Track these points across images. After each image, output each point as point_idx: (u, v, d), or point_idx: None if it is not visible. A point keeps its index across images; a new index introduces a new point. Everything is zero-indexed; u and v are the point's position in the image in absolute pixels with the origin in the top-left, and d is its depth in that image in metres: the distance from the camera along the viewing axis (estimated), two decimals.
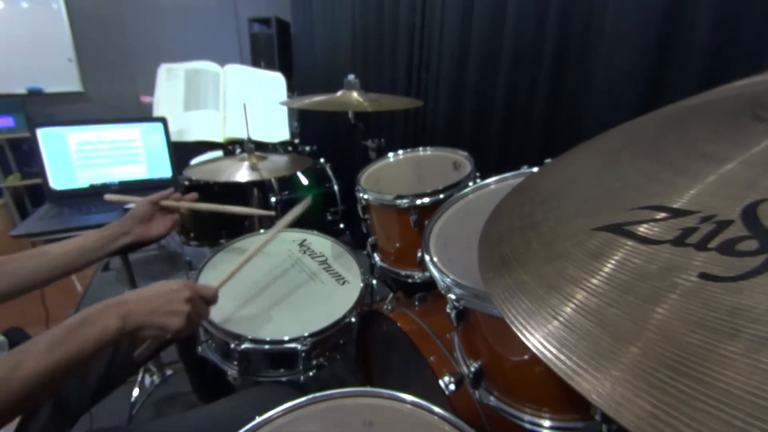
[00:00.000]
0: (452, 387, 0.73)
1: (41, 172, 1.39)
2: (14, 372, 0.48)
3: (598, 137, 0.49)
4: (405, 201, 0.94)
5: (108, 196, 1.00)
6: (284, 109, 2.01)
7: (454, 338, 0.73)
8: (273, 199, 2.01)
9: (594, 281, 0.28)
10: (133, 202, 0.94)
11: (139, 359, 0.66)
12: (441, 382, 0.74)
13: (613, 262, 0.28)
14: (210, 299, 0.71)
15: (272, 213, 1.11)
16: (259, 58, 3.06)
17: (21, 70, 2.97)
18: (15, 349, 0.51)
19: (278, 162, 1.43)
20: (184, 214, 0.96)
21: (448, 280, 0.62)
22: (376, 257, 1.12)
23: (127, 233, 0.87)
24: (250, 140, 1.37)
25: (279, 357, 0.83)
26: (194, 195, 0.96)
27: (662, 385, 0.20)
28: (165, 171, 1.54)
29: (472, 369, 0.64)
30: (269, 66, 2.78)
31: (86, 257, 0.81)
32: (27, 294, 0.75)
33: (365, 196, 1.02)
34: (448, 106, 1.58)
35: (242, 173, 1.29)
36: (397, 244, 1.05)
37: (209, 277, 0.95)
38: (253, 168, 1.32)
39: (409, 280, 1.03)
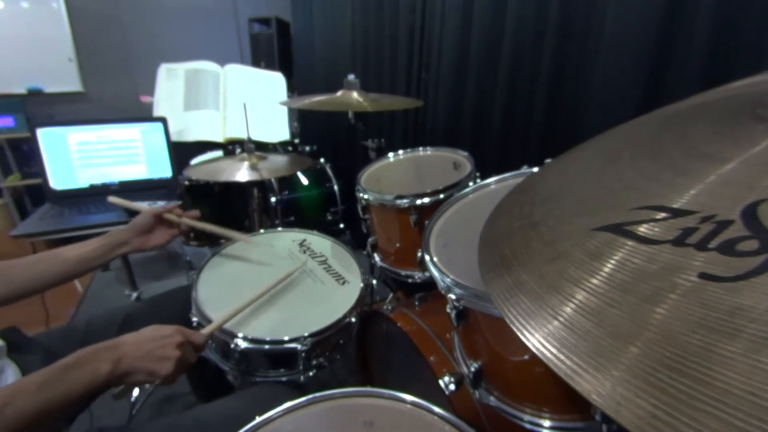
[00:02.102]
0: (452, 387, 0.73)
1: (41, 172, 1.39)
2: (4, 409, 0.49)
3: (598, 137, 0.49)
4: (405, 201, 0.94)
5: (111, 199, 1.00)
6: (284, 109, 2.01)
7: (454, 338, 0.73)
8: (273, 199, 2.01)
9: (594, 281, 0.28)
10: (137, 208, 0.94)
11: (117, 399, 0.67)
12: (441, 382, 0.74)
13: (613, 262, 0.28)
14: (199, 346, 0.71)
15: (249, 240, 1.09)
16: (259, 58, 3.06)
17: (21, 70, 2.97)
18: (5, 387, 0.52)
19: (278, 162, 1.43)
20: (184, 229, 0.97)
21: (448, 280, 0.62)
22: (376, 257, 1.12)
23: (127, 243, 0.88)
24: (250, 140, 1.37)
25: (279, 357, 0.83)
26: (196, 213, 0.97)
27: (662, 385, 0.20)
28: (165, 171, 1.54)
29: (472, 369, 0.64)
30: (269, 66, 2.78)
31: (86, 265, 0.82)
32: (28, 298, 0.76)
33: (365, 196, 1.02)
34: (448, 106, 1.58)
35: (242, 173, 1.29)
36: (397, 244, 1.05)
37: (209, 278, 0.96)
38: (253, 168, 1.32)
39: (409, 280, 1.03)
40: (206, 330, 0.76)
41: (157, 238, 0.93)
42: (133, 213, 0.99)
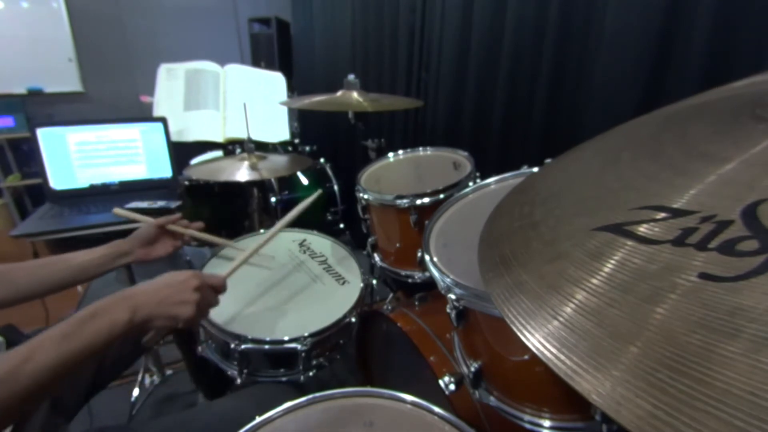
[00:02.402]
0: (452, 387, 0.73)
1: (41, 172, 1.39)
2: (24, 365, 0.49)
3: (598, 137, 0.49)
4: (405, 201, 0.94)
5: (117, 211, 1.00)
6: (284, 109, 2.01)
7: (454, 338, 0.73)
8: (273, 199, 2.01)
9: (594, 281, 0.28)
10: (141, 220, 0.95)
11: (147, 346, 0.67)
12: (441, 382, 0.74)
13: (613, 262, 0.28)
14: (219, 288, 0.72)
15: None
16: (259, 58, 3.06)
17: (21, 70, 2.97)
18: (26, 342, 0.51)
19: (278, 162, 1.43)
20: (187, 240, 0.97)
21: (448, 280, 0.62)
22: (376, 257, 1.12)
23: (129, 254, 0.88)
24: (250, 140, 1.37)
25: (279, 357, 0.83)
26: (200, 224, 0.97)
27: (662, 385, 0.20)
28: (165, 171, 1.54)
29: (472, 369, 0.64)
30: (269, 66, 2.78)
31: (87, 273, 0.83)
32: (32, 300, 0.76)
33: (365, 196, 1.02)
34: (448, 106, 1.58)
35: (242, 173, 1.29)
36: (397, 244, 1.05)
37: None
38: (253, 168, 1.32)
39: (409, 280, 1.03)
40: (225, 273, 0.76)
41: (159, 249, 0.93)
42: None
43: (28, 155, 3.06)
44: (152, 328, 0.62)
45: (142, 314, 0.59)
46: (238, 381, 0.85)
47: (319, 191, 0.99)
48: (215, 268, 0.99)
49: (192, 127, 1.78)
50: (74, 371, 0.54)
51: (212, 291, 0.70)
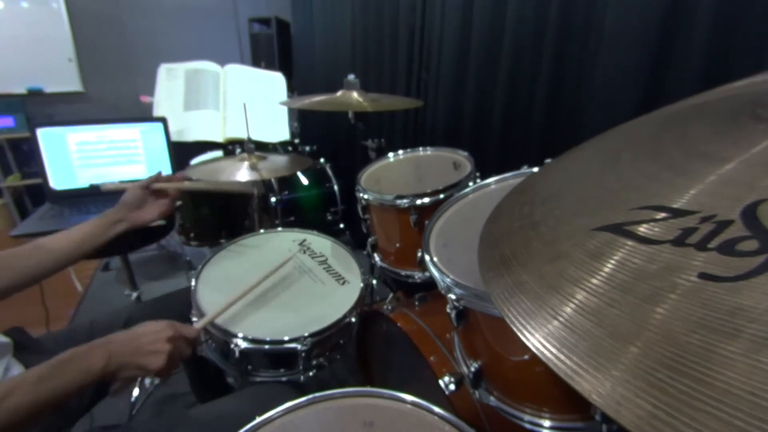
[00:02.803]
0: (452, 387, 0.73)
1: (41, 172, 1.39)
2: (3, 401, 0.51)
3: (598, 137, 0.49)
4: (405, 201, 0.94)
5: (105, 185, 1.00)
6: (284, 109, 2.01)
7: (454, 338, 0.73)
8: (273, 199, 2.01)
9: (594, 281, 0.28)
10: (126, 188, 0.94)
11: (113, 396, 0.69)
12: (441, 382, 0.74)
13: (613, 262, 0.28)
14: (192, 339, 0.72)
15: (253, 192, 1.09)
16: (259, 58, 3.06)
17: (21, 70, 2.97)
18: (5, 380, 0.55)
19: (278, 162, 1.43)
20: (175, 194, 0.97)
21: (448, 280, 0.62)
22: (376, 257, 1.12)
23: (122, 220, 0.88)
24: (250, 140, 1.37)
25: (279, 357, 0.83)
26: (182, 175, 0.97)
27: (662, 385, 0.20)
28: (165, 171, 1.54)
29: (472, 369, 0.64)
30: (269, 66, 2.78)
31: (84, 248, 0.82)
32: (27, 289, 0.76)
33: (365, 196, 1.02)
34: (448, 106, 1.58)
35: (242, 173, 1.29)
36: (397, 244, 1.05)
37: (209, 277, 0.96)
38: (253, 168, 1.31)
39: (409, 280, 1.03)
40: (199, 324, 0.76)
41: (150, 211, 0.92)
42: None
43: (28, 155, 3.06)
44: (123, 378, 0.64)
45: (116, 362, 0.61)
46: (238, 381, 0.85)
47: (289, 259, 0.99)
48: (215, 268, 0.99)
49: (192, 127, 1.78)
50: (48, 413, 0.56)
51: (186, 342, 0.71)
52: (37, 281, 0.77)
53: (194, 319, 0.85)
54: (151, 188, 0.93)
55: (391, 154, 1.25)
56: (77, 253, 0.81)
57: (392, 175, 1.20)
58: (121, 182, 1.00)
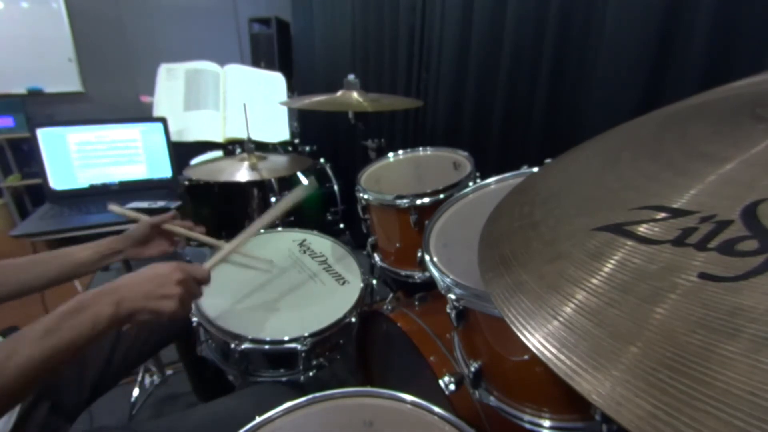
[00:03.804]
0: (452, 387, 0.73)
1: (41, 172, 1.39)
2: (9, 360, 0.48)
3: (598, 137, 0.49)
4: (405, 201, 0.94)
5: (111, 207, 0.99)
6: (284, 109, 2.01)
7: (454, 338, 0.73)
8: (273, 199, 2.01)
9: (594, 281, 0.28)
10: (136, 218, 0.94)
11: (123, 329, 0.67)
12: (441, 382, 0.74)
13: (613, 262, 0.28)
14: (202, 279, 0.70)
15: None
16: (259, 58, 3.06)
17: (21, 70, 2.97)
18: (9, 336, 0.51)
19: (278, 162, 1.43)
20: (180, 240, 0.95)
21: (448, 280, 0.62)
22: (376, 257, 1.12)
23: (122, 252, 0.87)
24: (250, 140, 1.37)
25: (279, 357, 0.83)
26: (201, 228, 0.96)
27: (662, 385, 0.20)
28: (165, 171, 1.54)
29: (472, 369, 0.64)
30: (269, 66, 2.78)
31: (80, 270, 0.82)
32: (19, 299, 0.76)
33: (365, 196, 1.02)
34: (448, 106, 1.58)
35: (242, 173, 1.29)
36: (397, 244, 1.05)
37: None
38: (253, 168, 1.32)
39: (409, 280, 1.03)
40: (208, 264, 0.75)
41: (153, 249, 0.92)
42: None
43: (28, 155, 3.06)
44: (136, 322, 0.61)
45: (126, 308, 0.59)
46: (238, 381, 0.85)
47: (306, 185, 0.97)
48: (215, 268, 0.99)
49: (192, 127, 1.78)
50: (59, 367, 0.53)
51: (196, 283, 0.69)
52: (33, 292, 0.77)
53: (194, 319, 0.85)
54: (161, 228, 0.92)
55: (391, 154, 1.25)
56: (74, 273, 0.81)
57: (392, 175, 1.20)
58: (130, 209, 0.99)
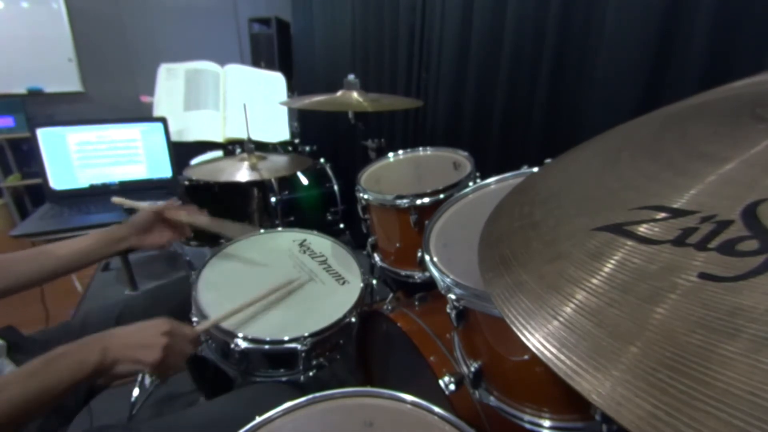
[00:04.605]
0: (452, 387, 0.73)
1: (41, 172, 1.39)
2: None
3: (598, 137, 0.49)
4: (405, 201, 0.94)
5: (115, 199, 0.99)
6: (284, 109, 2.01)
7: (454, 338, 0.73)
8: (273, 199, 2.01)
9: (594, 281, 0.28)
10: (140, 207, 0.94)
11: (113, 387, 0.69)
12: (441, 382, 0.74)
13: (613, 262, 0.28)
14: (191, 338, 0.72)
15: (260, 231, 1.11)
16: (259, 58, 3.06)
17: (21, 70, 2.97)
18: None
19: (278, 162, 1.43)
20: (184, 226, 0.96)
21: (448, 280, 0.62)
22: (376, 257, 1.12)
23: (125, 239, 0.88)
24: (250, 140, 1.37)
25: (279, 357, 0.83)
26: (204, 217, 0.96)
27: (662, 385, 0.20)
28: (165, 171, 1.54)
29: (472, 369, 0.64)
30: (269, 66, 2.78)
31: (85, 259, 0.82)
32: (25, 291, 0.76)
33: (365, 196, 1.02)
34: (448, 106, 1.58)
35: (242, 173, 1.29)
36: (397, 244, 1.05)
37: (209, 278, 0.95)
38: (253, 168, 1.32)
39: (409, 280, 1.03)
40: (200, 327, 0.76)
41: (156, 237, 0.92)
42: (134, 212, 0.99)
43: (28, 155, 3.06)
44: (118, 373, 0.63)
45: (111, 357, 0.60)
46: (238, 380, 0.85)
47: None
48: (215, 268, 0.99)
49: (192, 127, 1.78)
50: (43, 409, 0.55)
51: (185, 340, 0.70)
52: (35, 285, 0.78)
53: (194, 319, 0.85)
54: (163, 215, 0.93)
55: (391, 154, 1.25)
56: (78, 263, 0.82)
57: (392, 175, 1.20)
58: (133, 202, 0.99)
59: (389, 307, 0.96)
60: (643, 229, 0.29)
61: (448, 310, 0.61)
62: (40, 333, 0.86)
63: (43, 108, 3.07)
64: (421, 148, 1.25)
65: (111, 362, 0.61)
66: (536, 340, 0.26)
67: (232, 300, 0.89)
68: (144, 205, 0.93)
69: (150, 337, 0.64)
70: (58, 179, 1.41)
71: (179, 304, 0.92)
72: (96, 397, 0.86)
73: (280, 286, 0.90)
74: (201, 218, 0.96)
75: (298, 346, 0.79)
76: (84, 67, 3.15)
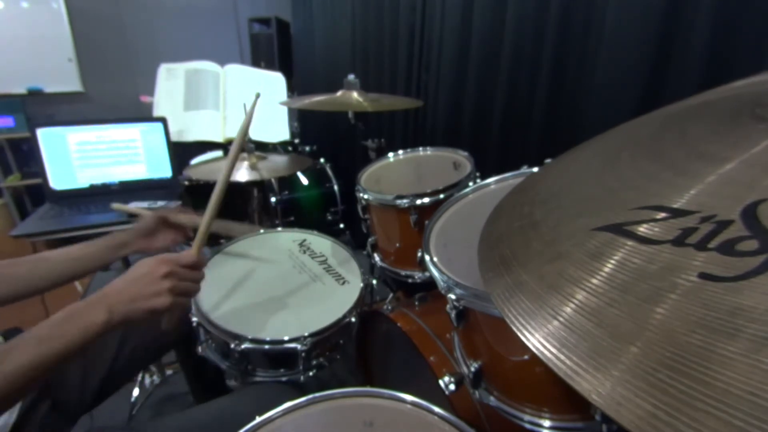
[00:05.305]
0: (452, 387, 0.73)
1: (41, 172, 1.39)
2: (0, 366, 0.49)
3: (598, 137, 0.49)
4: (405, 201, 0.94)
5: (114, 206, 1.00)
6: (284, 109, 2.01)
7: (454, 338, 0.73)
8: (273, 199, 2.01)
9: (594, 281, 0.28)
10: (140, 213, 0.94)
11: (169, 329, 0.67)
12: (441, 382, 0.74)
13: (613, 262, 0.28)
14: (193, 264, 0.67)
15: (260, 231, 1.11)
16: (259, 58, 3.06)
17: (21, 70, 2.97)
18: (3, 345, 0.52)
19: (278, 162, 1.43)
20: (188, 231, 0.96)
21: (448, 280, 0.62)
22: (376, 257, 1.12)
23: (129, 245, 0.88)
24: (250, 140, 1.37)
25: (279, 357, 0.83)
26: (193, 215, 0.96)
27: (662, 385, 0.20)
28: (165, 171, 1.54)
29: (472, 369, 0.64)
30: (269, 66, 2.78)
31: (87, 266, 0.82)
32: (27, 299, 0.76)
33: (365, 196, 1.02)
34: (448, 106, 1.58)
35: (242, 173, 1.29)
36: (397, 244, 1.05)
37: (209, 277, 0.95)
38: (253, 168, 1.32)
39: (409, 280, 1.03)
40: (194, 247, 0.71)
41: (160, 241, 0.92)
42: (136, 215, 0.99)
43: (28, 155, 3.06)
44: (135, 324, 0.61)
45: (119, 315, 0.58)
46: (238, 381, 0.85)
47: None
48: (215, 268, 0.99)
49: (192, 127, 1.78)
50: (51, 374, 0.54)
51: (188, 270, 0.66)
52: (38, 293, 0.77)
53: (194, 319, 0.85)
54: (166, 220, 0.92)
55: (391, 154, 1.25)
56: (82, 269, 0.81)
57: (392, 175, 1.20)
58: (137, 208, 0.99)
59: (389, 307, 0.96)
60: (643, 229, 0.29)
61: (448, 310, 0.61)
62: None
63: (43, 108, 3.07)
64: (421, 148, 1.25)
65: (120, 319, 0.58)
66: (536, 340, 0.26)
67: (232, 299, 0.89)
68: (145, 210, 0.93)
69: (152, 285, 0.61)
70: (58, 179, 1.41)
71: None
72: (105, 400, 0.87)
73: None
74: (203, 222, 0.95)
75: (298, 346, 0.79)
76: (84, 67, 3.15)
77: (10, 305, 0.75)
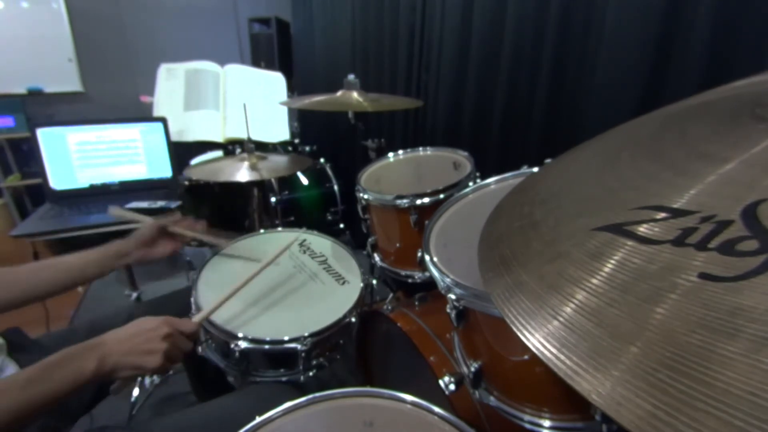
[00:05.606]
0: (452, 387, 0.73)
1: (41, 172, 1.39)
2: None
3: (598, 137, 0.49)
4: (405, 201, 0.94)
5: (112, 211, 1.00)
6: (284, 109, 2.01)
7: (454, 338, 0.73)
8: (273, 199, 2.01)
9: (594, 281, 0.28)
10: (138, 220, 0.94)
11: (114, 395, 0.68)
12: (441, 382, 0.74)
13: (613, 262, 0.28)
14: (191, 334, 0.71)
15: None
16: (259, 58, 3.06)
17: (21, 70, 2.97)
18: None
19: (278, 162, 1.43)
20: (187, 241, 0.97)
21: (448, 280, 0.62)
22: (376, 257, 1.12)
23: (129, 254, 0.89)
24: (250, 140, 1.37)
25: (279, 357, 0.83)
26: (203, 224, 0.97)
27: (662, 385, 0.20)
28: (165, 171, 1.54)
29: (472, 369, 0.64)
30: (269, 66, 2.78)
31: (86, 275, 0.83)
32: (27, 306, 0.77)
33: (365, 196, 1.02)
34: (448, 106, 1.58)
35: (242, 173, 1.29)
36: (397, 244, 1.05)
37: (210, 277, 0.96)
38: (253, 168, 1.32)
39: (409, 280, 1.03)
40: (197, 318, 0.75)
41: (159, 250, 0.93)
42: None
43: (28, 155, 3.06)
44: (118, 378, 0.63)
45: (109, 364, 0.60)
46: (238, 381, 0.85)
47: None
48: (215, 268, 0.99)
49: (192, 127, 1.78)
50: (39, 415, 0.55)
51: (184, 338, 0.69)
52: (39, 299, 0.78)
53: (194, 319, 0.85)
54: (165, 229, 0.93)
55: (391, 154, 1.25)
56: (80, 278, 0.82)
57: (392, 175, 1.20)
58: (130, 209, 1.00)
59: (389, 307, 0.96)
60: (643, 229, 0.29)
61: (448, 310, 0.61)
62: (45, 337, 0.86)
63: (43, 108, 3.07)
64: (421, 148, 1.25)
65: (110, 369, 0.60)
66: (536, 340, 0.26)
67: (232, 299, 0.89)
68: (144, 218, 0.93)
69: (150, 342, 0.63)
70: (58, 179, 1.41)
71: (186, 314, 0.92)
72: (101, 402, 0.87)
73: (269, 261, 0.88)
74: (202, 235, 0.97)
75: (298, 346, 0.79)
76: (84, 67, 3.15)
77: None
